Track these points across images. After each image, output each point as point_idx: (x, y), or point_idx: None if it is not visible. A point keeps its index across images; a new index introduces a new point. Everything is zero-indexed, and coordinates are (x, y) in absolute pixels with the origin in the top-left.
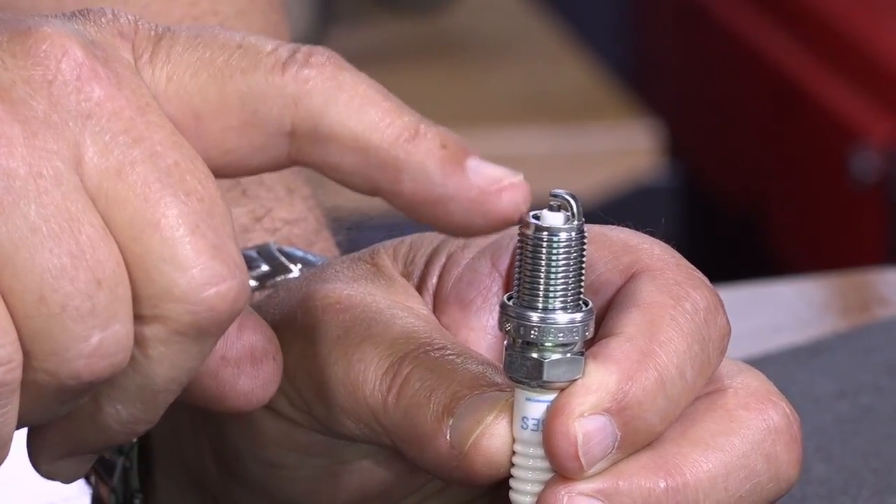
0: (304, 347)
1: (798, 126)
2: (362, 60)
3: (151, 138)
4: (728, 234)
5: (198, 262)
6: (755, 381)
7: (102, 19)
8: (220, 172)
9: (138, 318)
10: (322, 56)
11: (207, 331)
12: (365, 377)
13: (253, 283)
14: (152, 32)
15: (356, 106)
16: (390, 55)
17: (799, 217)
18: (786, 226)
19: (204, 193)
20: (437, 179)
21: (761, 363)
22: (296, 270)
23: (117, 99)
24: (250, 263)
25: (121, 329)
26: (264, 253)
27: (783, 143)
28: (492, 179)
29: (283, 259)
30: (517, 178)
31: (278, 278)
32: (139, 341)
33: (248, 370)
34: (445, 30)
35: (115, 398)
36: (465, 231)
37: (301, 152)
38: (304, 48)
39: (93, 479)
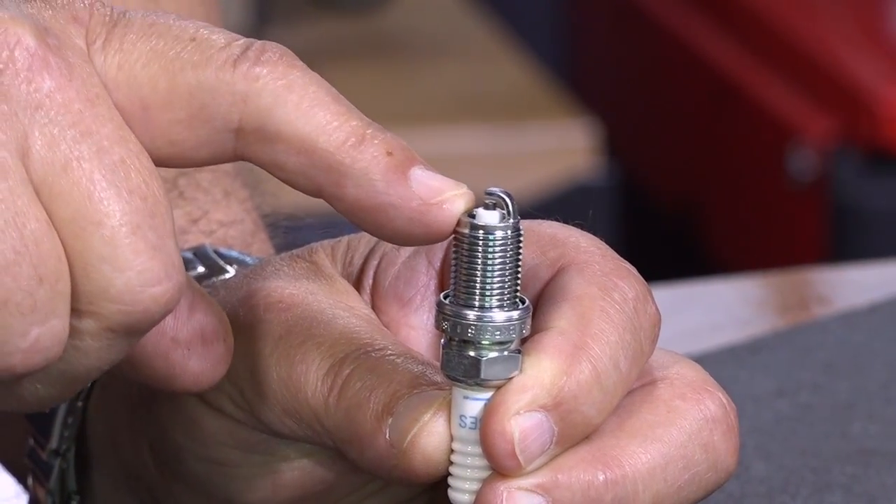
0: (245, 346)
1: (735, 125)
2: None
3: (99, 132)
4: (665, 234)
5: (136, 263)
6: (691, 372)
7: (57, 2)
8: (164, 163)
9: (73, 310)
10: (274, 54)
11: (138, 328)
12: (306, 378)
13: None
14: (107, 17)
15: (305, 107)
16: (327, 55)
17: (736, 216)
18: (723, 225)
19: (147, 192)
20: (380, 187)
21: (700, 362)
22: (231, 271)
23: (67, 90)
24: (187, 265)
25: (58, 324)
26: (200, 254)
27: (720, 142)
28: (434, 190)
29: (218, 260)
30: (460, 191)
31: (214, 279)
32: (70, 332)
33: (198, 351)
34: (382, 29)
35: (38, 379)
36: (404, 240)
37: (247, 149)
38: (258, 45)
39: (30, 481)
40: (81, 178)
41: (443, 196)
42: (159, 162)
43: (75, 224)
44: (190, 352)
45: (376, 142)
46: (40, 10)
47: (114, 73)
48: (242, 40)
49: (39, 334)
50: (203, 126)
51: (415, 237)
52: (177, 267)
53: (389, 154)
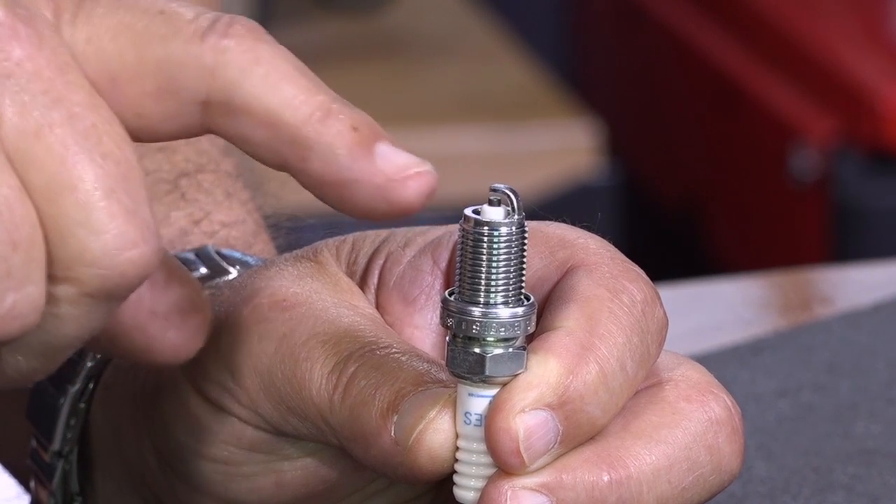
0: (250, 345)
1: (737, 125)
2: (301, 60)
3: (70, 99)
4: (667, 233)
5: (111, 226)
6: (696, 374)
7: None
8: (132, 136)
9: (50, 277)
10: (242, 27)
11: (116, 294)
12: (311, 376)
13: None
14: None
15: (272, 80)
16: (329, 55)
17: (738, 216)
18: (725, 225)
19: (120, 157)
20: (345, 162)
21: (702, 362)
22: (234, 272)
23: (37, 59)
24: (189, 266)
25: (34, 290)
26: (203, 255)
27: (723, 142)
28: (399, 167)
29: (221, 261)
30: (424, 167)
31: (217, 280)
32: (48, 300)
33: (176, 323)
34: (385, 29)
35: (18, 350)
36: (367, 214)
37: (213, 122)
38: (226, 18)
39: (32, 483)
40: (54, 144)
41: (407, 172)
42: (128, 135)
43: (49, 189)
44: (168, 323)
45: (342, 116)
46: None
47: (82, 47)
48: (211, 14)
49: (15, 300)
50: (171, 98)
51: (378, 212)
52: (152, 231)
53: (355, 129)
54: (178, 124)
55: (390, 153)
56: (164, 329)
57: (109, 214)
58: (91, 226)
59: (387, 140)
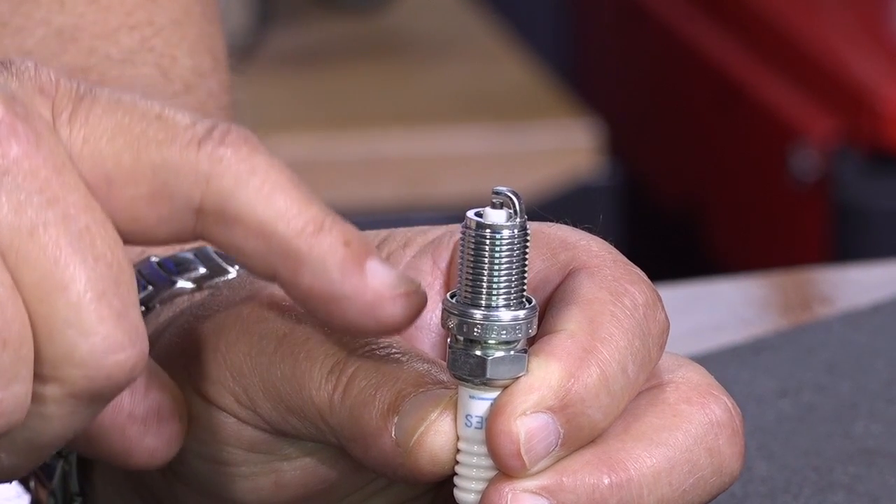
0: (249, 345)
1: (738, 125)
2: (302, 60)
3: (66, 199)
4: (668, 233)
5: (101, 329)
6: (696, 376)
7: (24, 74)
8: (125, 239)
9: (36, 376)
10: (239, 136)
11: (102, 396)
12: (310, 376)
13: (190, 284)
14: (73, 91)
15: (266, 192)
16: (330, 55)
17: (739, 216)
18: (726, 225)
19: (112, 259)
20: (336, 277)
21: (702, 362)
22: (233, 272)
23: (34, 157)
24: (187, 265)
25: (21, 389)
26: (202, 255)
27: (723, 142)
28: (389, 285)
29: (220, 261)
30: (414, 287)
31: (216, 280)
32: (34, 399)
33: (154, 428)
34: (385, 29)
35: (2, 448)
36: (355, 331)
37: (207, 229)
38: (223, 126)
39: (32, 483)
40: (48, 244)
41: (397, 291)
42: (120, 238)
43: (40, 289)
44: (146, 428)
45: (334, 231)
46: (7, 80)
47: (79, 147)
48: (208, 121)
49: (2, 398)
50: (165, 204)
51: (366, 329)
52: (140, 335)
53: (347, 244)
54: (171, 229)
55: (381, 271)
56: (142, 433)
57: (99, 317)
58: (81, 327)
59: (377, 257)
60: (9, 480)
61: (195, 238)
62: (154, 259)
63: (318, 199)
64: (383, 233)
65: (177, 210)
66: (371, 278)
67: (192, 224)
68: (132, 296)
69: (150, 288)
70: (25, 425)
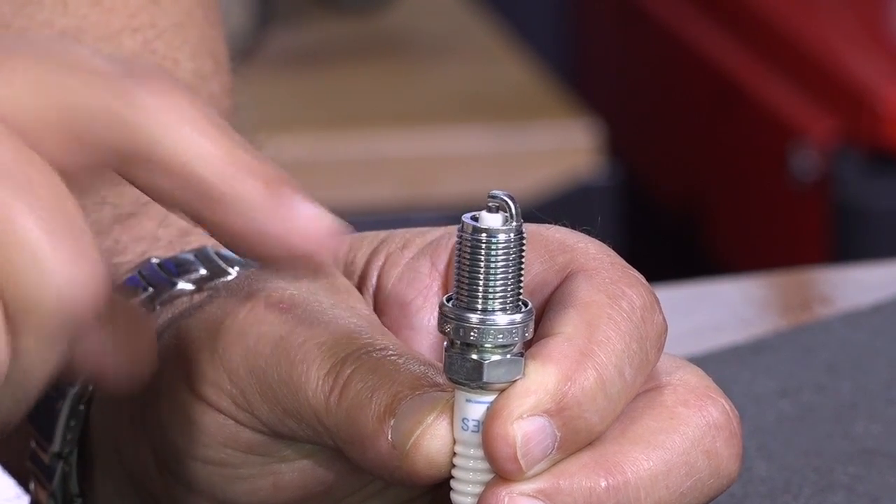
0: (246, 347)
1: (738, 125)
2: (302, 60)
3: (3, 157)
4: (668, 234)
5: (61, 269)
6: (694, 378)
7: None
8: None
9: (10, 328)
10: (160, 82)
11: (72, 329)
12: (307, 378)
13: (190, 286)
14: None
15: (186, 133)
16: (330, 55)
17: (739, 216)
18: (725, 225)
19: (59, 205)
20: (258, 215)
21: (702, 362)
22: (233, 273)
23: None
24: (188, 267)
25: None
26: (202, 256)
27: (723, 141)
28: (313, 220)
29: (220, 262)
30: (333, 221)
31: (216, 281)
32: (13, 351)
33: (122, 347)
34: (385, 29)
35: None
36: (280, 266)
37: (130, 174)
38: (141, 69)
39: (31, 484)
40: None
41: (319, 223)
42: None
43: None
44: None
45: (255, 170)
46: None
47: (2, 102)
48: (127, 65)
49: None
50: (87, 150)
51: (294, 266)
52: (99, 268)
53: (267, 182)
54: (94, 175)
55: (304, 207)
56: (114, 355)
57: (57, 259)
58: (40, 270)
59: (297, 192)
60: (7, 426)
61: (119, 184)
62: (155, 260)
63: (241, 140)
64: (382, 234)
65: (98, 155)
66: (293, 213)
67: (114, 169)
68: (86, 236)
69: (151, 290)
70: (9, 376)
